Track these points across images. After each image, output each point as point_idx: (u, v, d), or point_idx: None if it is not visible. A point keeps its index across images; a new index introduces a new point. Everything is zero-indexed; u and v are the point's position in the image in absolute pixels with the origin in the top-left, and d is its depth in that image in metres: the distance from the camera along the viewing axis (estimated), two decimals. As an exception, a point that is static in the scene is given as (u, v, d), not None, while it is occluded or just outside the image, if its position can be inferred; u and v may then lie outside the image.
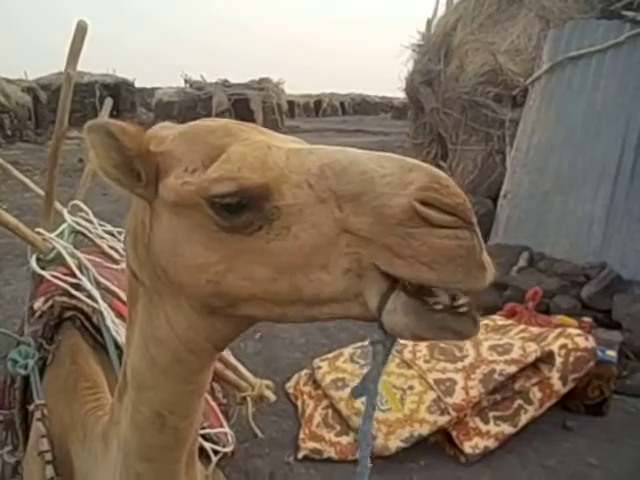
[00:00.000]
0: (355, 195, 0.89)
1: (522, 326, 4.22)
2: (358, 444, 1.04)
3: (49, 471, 1.73)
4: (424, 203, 0.84)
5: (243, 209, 0.96)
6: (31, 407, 1.84)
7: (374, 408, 1.01)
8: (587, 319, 4.52)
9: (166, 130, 1.14)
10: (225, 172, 0.97)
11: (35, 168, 14.82)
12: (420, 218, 0.84)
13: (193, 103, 32.92)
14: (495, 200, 6.45)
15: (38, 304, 2.09)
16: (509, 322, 4.40)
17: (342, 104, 60.42)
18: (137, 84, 37.65)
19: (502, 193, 6.39)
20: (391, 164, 0.91)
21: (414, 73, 8.28)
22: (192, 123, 1.14)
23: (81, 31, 2.21)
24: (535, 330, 4.05)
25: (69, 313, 2.04)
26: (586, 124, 6.07)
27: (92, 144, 1.04)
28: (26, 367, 1.88)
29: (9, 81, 24.55)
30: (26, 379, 1.95)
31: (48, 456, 1.74)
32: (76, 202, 2.70)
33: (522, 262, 5.68)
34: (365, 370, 3.12)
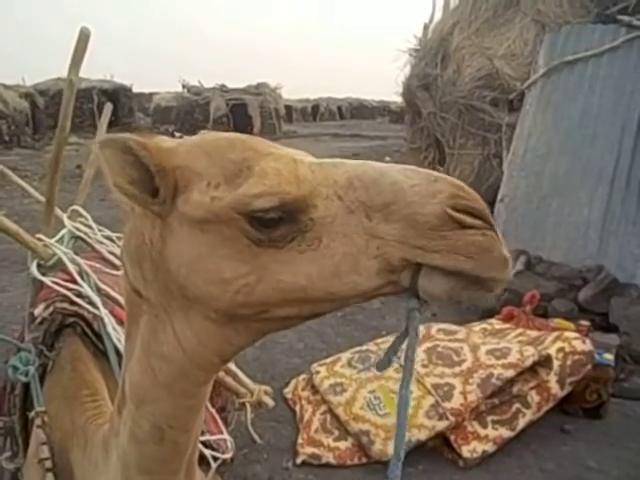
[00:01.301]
0: (385, 204, 0.96)
1: (520, 330, 4.22)
2: (396, 419, 1.07)
3: (49, 479, 1.73)
4: (454, 209, 0.93)
5: (280, 222, 0.99)
6: (31, 414, 1.84)
7: (411, 375, 1.04)
8: (584, 322, 4.52)
9: (168, 142, 1.13)
10: (267, 187, 0.99)
11: (33, 174, 14.81)
12: (453, 222, 0.93)
13: (191, 108, 32.99)
14: (492, 204, 6.46)
15: (39, 310, 2.09)
16: (507, 326, 4.40)
17: (339, 108, 60.52)
18: (135, 89, 37.66)
19: (499, 197, 6.41)
20: (417, 175, 0.98)
21: (411, 77, 8.31)
22: (207, 136, 1.15)
23: (84, 38, 2.21)
24: (533, 334, 4.06)
25: (70, 320, 2.04)
26: (582, 128, 6.10)
27: (107, 160, 1.03)
28: (27, 374, 1.87)
29: (7, 87, 24.58)
30: (26, 385, 1.94)
31: (48, 464, 1.74)
32: (75, 207, 2.70)
33: (519, 266, 5.69)
34: (364, 375, 3.12)
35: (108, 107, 3.39)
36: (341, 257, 0.98)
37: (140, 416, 1.28)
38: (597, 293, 5.27)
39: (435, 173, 0.99)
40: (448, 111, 7.47)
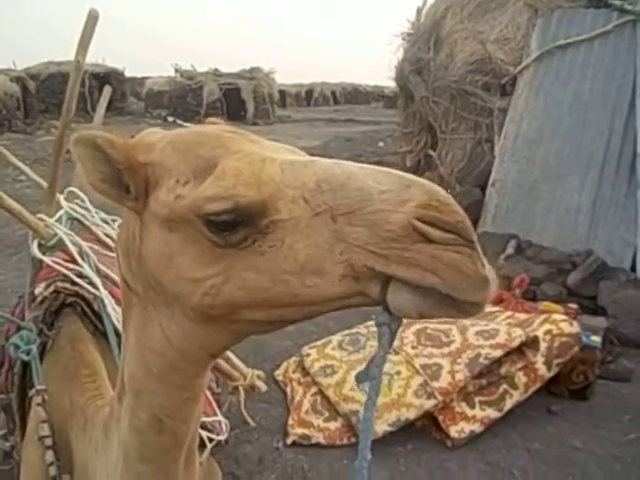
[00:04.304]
0: (351, 209, 0.89)
1: (509, 312, 4.27)
2: (359, 433, 0.99)
3: (49, 456, 1.73)
4: (423, 221, 0.84)
5: (238, 226, 0.94)
6: (31, 392, 1.85)
7: (377, 394, 0.96)
8: (573, 305, 4.58)
9: (153, 136, 1.12)
10: (221, 189, 0.95)
11: (25, 158, 14.67)
12: (418, 235, 0.84)
13: (184, 93, 32.73)
14: (484, 189, 6.50)
15: (39, 289, 2.10)
16: (496, 309, 4.44)
17: (334, 93, 60.17)
18: (127, 73, 37.31)
19: (490, 182, 6.44)
20: (388, 180, 0.90)
21: (404, 62, 8.29)
22: (182, 131, 1.11)
23: (92, 19, 2.20)
24: (521, 316, 4.11)
25: (70, 299, 2.05)
26: (573, 113, 6.12)
27: (79, 157, 1.02)
28: (28, 353, 1.88)
29: (-3, 71, 24.28)
30: (24, 363, 1.95)
31: (48, 441, 1.74)
32: (72, 189, 2.69)
33: (510, 250, 5.74)
34: (354, 357, 3.14)
35: (107, 90, 3.36)
36: (304, 259, 0.92)
37: (138, 407, 1.29)
38: (586, 277, 5.32)
39: (410, 178, 0.91)
40: (440, 95, 7.46)
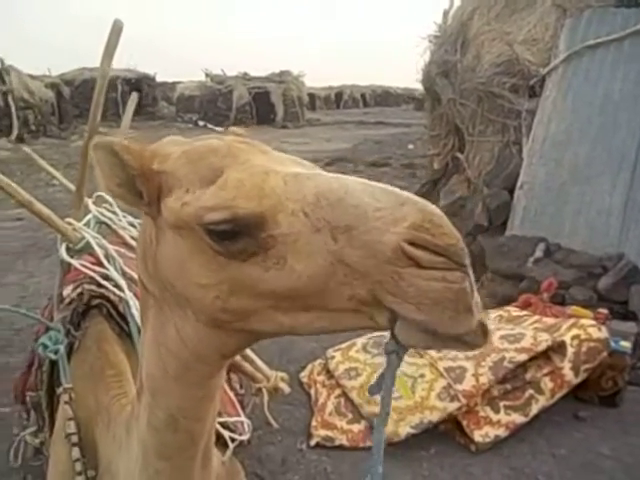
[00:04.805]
0: (348, 227, 0.88)
1: (536, 317, 4.22)
2: (372, 451, 1.02)
3: (75, 453, 1.79)
4: (413, 243, 0.83)
5: (238, 236, 0.95)
6: (59, 390, 1.92)
7: (388, 415, 0.99)
8: (603, 310, 4.49)
9: (172, 146, 1.15)
10: (220, 200, 0.97)
11: (59, 163, 15.05)
12: (408, 259, 0.83)
13: (214, 97, 33.16)
14: (512, 191, 6.42)
15: (67, 291, 2.19)
16: (524, 313, 4.40)
17: (363, 96, 60.15)
18: (158, 78, 37.92)
19: (518, 184, 6.35)
20: (385, 197, 0.89)
21: (431, 64, 8.24)
22: (197, 142, 1.14)
23: (117, 30, 2.28)
24: (549, 321, 4.06)
25: (96, 301, 2.12)
26: (603, 114, 6.01)
27: (98, 162, 1.06)
28: (56, 352, 1.96)
29: (33, 77, 24.90)
30: (52, 362, 2.03)
31: (75, 438, 1.81)
32: (100, 193, 2.77)
33: (538, 253, 5.66)
34: (378, 360, 3.15)
35: (134, 97, 3.43)
36: (307, 279, 0.91)
37: (155, 405, 1.33)
38: (617, 281, 5.21)
39: (405, 196, 0.89)
40: (467, 98, 7.39)
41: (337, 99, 56.25)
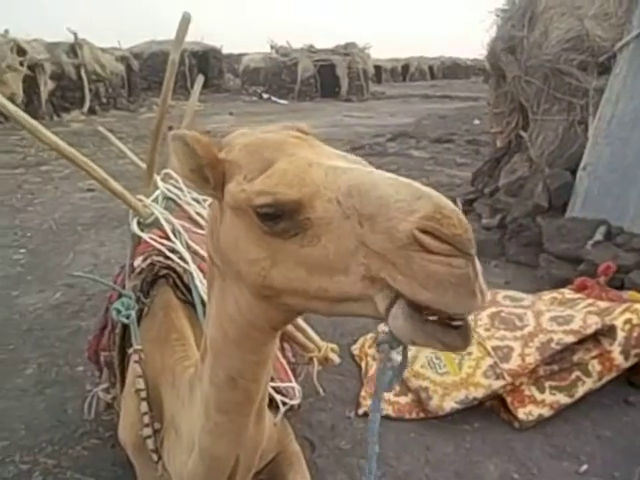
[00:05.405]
0: (372, 215, 1.02)
1: (590, 300, 4.18)
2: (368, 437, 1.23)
3: (143, 407, 2.03)
4: (425, 231, 0.96)
5: (279, 218, 1.12)
6: (130, 351, 2.13)
7: (380, 402, 1.18)
8: (661, 296, 4.42)
9: (241, 138, 1.32)
10: (265, 187, 1.14)
11: (128, 135, 15.63)
12: (420, 244, 0.96)
13: (279, 69, 33.28)
14: (574, 172, 6.29)
15: (138, 262, 2.40)
16: (578, 296, 4.38)
17: (431, 68, 58.74)
18: (224, 51, 38.25)
19: (582, 165, 6.21)
20: (406, 190, 1.03)
21: (496, 40, 8.06)
22: (257, 136, 1.30)
23: (185, 22, 2.47)
24: (602, 304, 4.03)
25: (164, 272, 2.33)
26: (675, 93, 5.78)
27: (175, 150, 1.24)
28: (128, 317, 2.17)
29: (104, 50, 25.61)
30: (124, 326, 2.24)
31: (143, 394, 2.04)
32: (168, 171, 2.98)
33: (598, 236, 5.56)
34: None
35: (200, 79, 3.62)
36: (333, 257, 1.07)
37: (217, 366, 1.52)
38: (681, 266, 5.08)
39: (423, 190, 1.02)
40: (533, 75, 7.21)
41: (404, 71, 55.22)
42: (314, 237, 1.10)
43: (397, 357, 1.16)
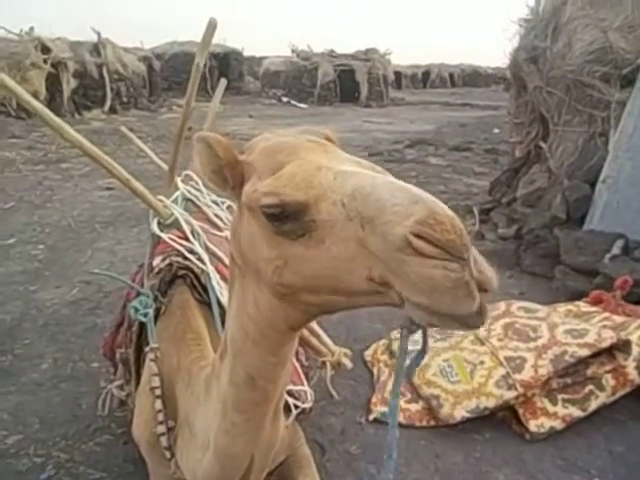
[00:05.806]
0: (371, 218, 1.05)
1: (606, 314, 4.16)
2: (390, 425, 1.27)
3: (158, 404, 2.05)
4: (419, 235, 0.97)
5: (286, 219, 1.15)
6: (146, 349, 2.16)
7: (399, 385, 1.22)
8: (678, 312, 4.37)
9: (262, 142, 1.35)
10: (273, 188, 1.17)
11: (148, 135, 15.76)
12: (412, 248, 0.97)
13: (299, 73, 33.39)
14: (593, 185, 6.25)
15: (156, 262, 2.43)
16: (593, 309, 4.35)
17: (451, 75, 58.55)
18: (245, 53, 38.43)
19: (601, 178, 6.16)
20: (403, 195, 1.04)
21: (519, 50, 8.03)
22: (277, 139, 1.34)
23: (211, 27, 2.50)
24: (618, 319, 4.00)
25: (182, 272, 2.35)
26: (699, 108, 5.73)
27: (198, 152, 1.29)
28: (146, 315, 2.21)
29: (127, 50, 25.85)
30: (140, 324, 2.27)
31: (158, 392, 2.06)
32: (188, 172, 3.02)
33: (616, 250, 5.52)
34: (441, 345, 3.29)
35: (222, 83, 3.66)
36: (338, 259, 1.10)
37: (237, 365, 1.54)
38: (700, 283, 5.03)
39: (420, 195, 1.03)
40: (555, 86, 7.18)
41: (424, 78, 55.10)
42: (319, 240, 1.13)
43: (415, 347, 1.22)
